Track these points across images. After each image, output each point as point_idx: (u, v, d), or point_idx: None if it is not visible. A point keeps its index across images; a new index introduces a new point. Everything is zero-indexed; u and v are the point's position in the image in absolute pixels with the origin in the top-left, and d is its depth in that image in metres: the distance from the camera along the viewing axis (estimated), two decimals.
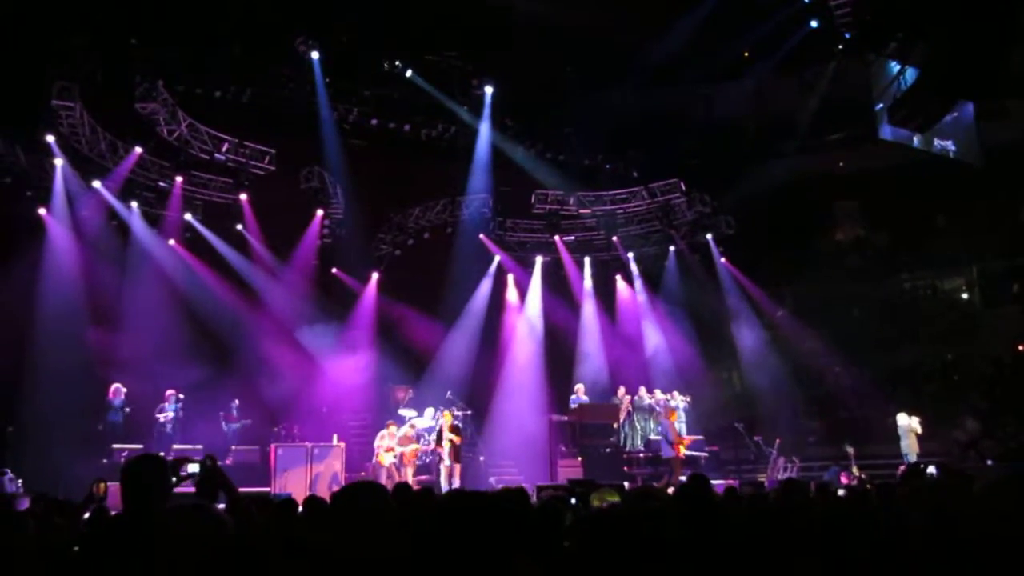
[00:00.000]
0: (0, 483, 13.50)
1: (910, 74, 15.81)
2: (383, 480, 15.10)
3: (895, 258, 23.58)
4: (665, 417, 17.02)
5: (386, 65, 18.44)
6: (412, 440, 16.27)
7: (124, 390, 16.63)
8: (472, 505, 2.39)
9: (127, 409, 16.71)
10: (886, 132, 16.24)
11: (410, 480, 14.69)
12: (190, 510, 2.19)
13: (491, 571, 2.22)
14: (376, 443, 16.07)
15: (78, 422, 15.56)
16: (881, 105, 16.26)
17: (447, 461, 15.47)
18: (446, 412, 16.32)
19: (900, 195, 21.62)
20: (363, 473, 16.14)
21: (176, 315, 17.71)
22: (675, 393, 19.54)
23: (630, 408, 19.49)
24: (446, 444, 15.51)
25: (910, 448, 16.36)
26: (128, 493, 3.31)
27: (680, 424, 17.94)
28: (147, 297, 17.53)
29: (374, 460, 15.98)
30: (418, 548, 2.38)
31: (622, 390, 19.76)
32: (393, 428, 16.18)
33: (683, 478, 13.43)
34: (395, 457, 15.79)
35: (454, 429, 15.74)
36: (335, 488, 14.25)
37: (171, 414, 16.83)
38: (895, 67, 16.16)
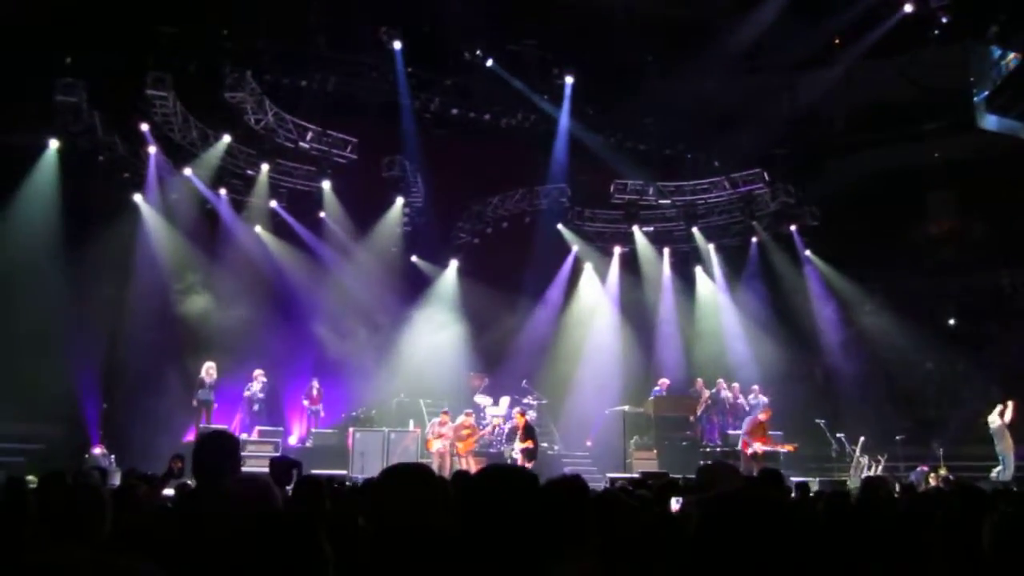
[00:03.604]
0: (94, 458, 14.15)
1: (1012, 60, 15.05)
2: (435, 466, 14.92)
3: (992, 251, 22.49)
4: (762, 412, 16.61)
5: (467, 55, 18.53)
6: (468, 429, 16.10)
7: (215, 369, 17.07)
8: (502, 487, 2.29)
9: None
10: (990, 122, 15.51)
11: (472, 469, 14.51)
12: (240, 482, 2.22)
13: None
14: (427, 430, 16.08)
15: (169, 400, 16.14)
16: (984, 93, 15.52)
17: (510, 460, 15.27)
18: (519, 412, 15.95)
19: (998, 185, 20.57)
20: (428, 460, 16.22)
21: (261, 299, 18.20)
22: (755, 388, 19.10)
23: (708, 401, 19.16)
24: (516, 448, 15.23)
25: (1006, 450, 15.52)
26: (196, 468, 3.40)
27: None
28: (234, 280, 18.03)
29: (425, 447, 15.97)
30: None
31: (700, 382, 19.43)
32: (445, 417, 16.08)
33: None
34: (445, 444, 15.63)
35: (527, 433, 15.22)
36: None
37: (260, 393, 17.08)
38: (996, 52, 15.39)
